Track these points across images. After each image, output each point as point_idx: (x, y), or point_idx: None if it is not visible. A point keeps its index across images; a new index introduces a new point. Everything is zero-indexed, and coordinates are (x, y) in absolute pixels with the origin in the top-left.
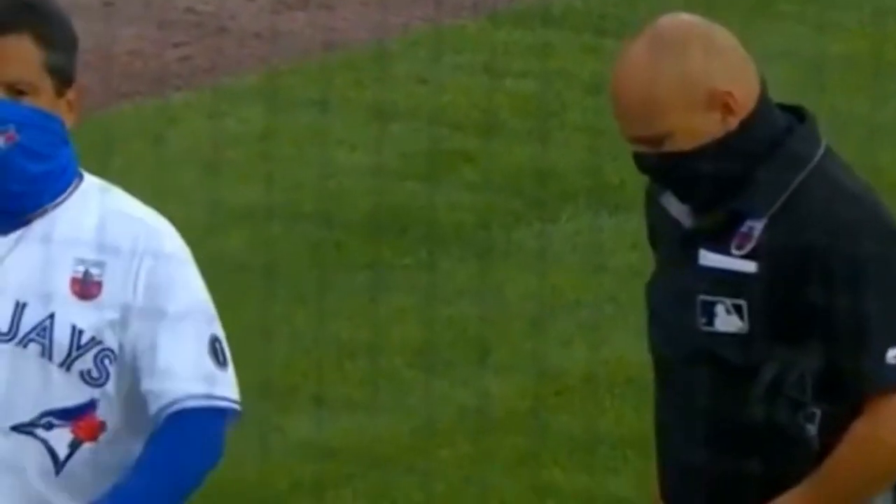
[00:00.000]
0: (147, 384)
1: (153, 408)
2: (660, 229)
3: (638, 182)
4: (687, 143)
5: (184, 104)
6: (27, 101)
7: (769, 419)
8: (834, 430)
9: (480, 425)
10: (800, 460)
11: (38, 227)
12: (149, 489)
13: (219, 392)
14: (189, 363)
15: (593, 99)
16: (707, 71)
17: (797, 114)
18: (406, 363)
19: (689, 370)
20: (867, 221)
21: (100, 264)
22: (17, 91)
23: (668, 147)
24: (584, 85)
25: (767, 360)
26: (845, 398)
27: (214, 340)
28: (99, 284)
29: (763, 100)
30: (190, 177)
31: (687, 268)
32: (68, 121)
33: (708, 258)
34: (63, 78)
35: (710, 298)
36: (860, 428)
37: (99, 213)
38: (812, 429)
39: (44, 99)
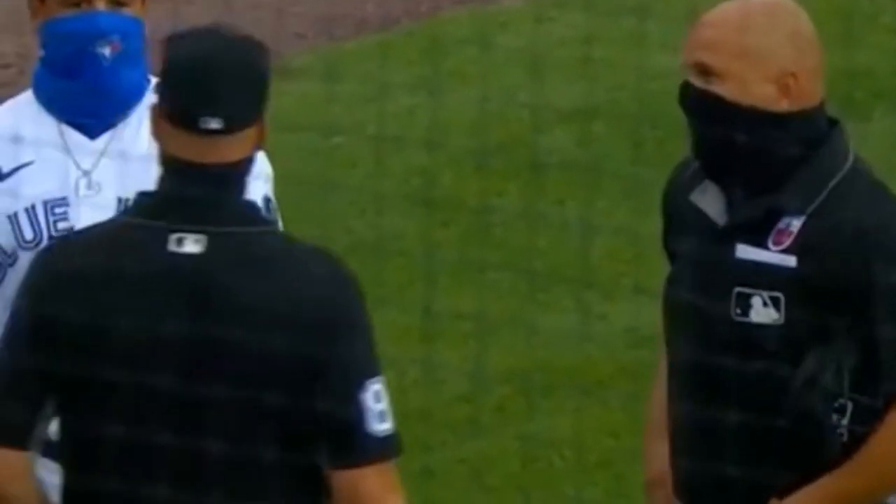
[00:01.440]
0: None
1: None
2: (683, 227)
3: None
4: (732, 94)
5: (513, 9)
6: (127, 11)
7: (804, 410)
8: (865, 422)
9: None
10: (828, 450)
11: (125, 127)
12: None
13: None
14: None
15: None
16: (790, 49)
17: (830, 120)
18: None
19: (720, 360)
20: None
21: None
22: (117, 2)
23: (715, 88)
24: None
25: (804, 352)
26: (879, 391)
27: (267, 200)
28: None
29: (820, 107)
30: (517, 78)
31: (722, 262)
32: (147, 25)
33: (745, 252)
34: None
35: (746, 290)
36: (895, 418)
37: None
38: (843, 420)
39: (136, 7)
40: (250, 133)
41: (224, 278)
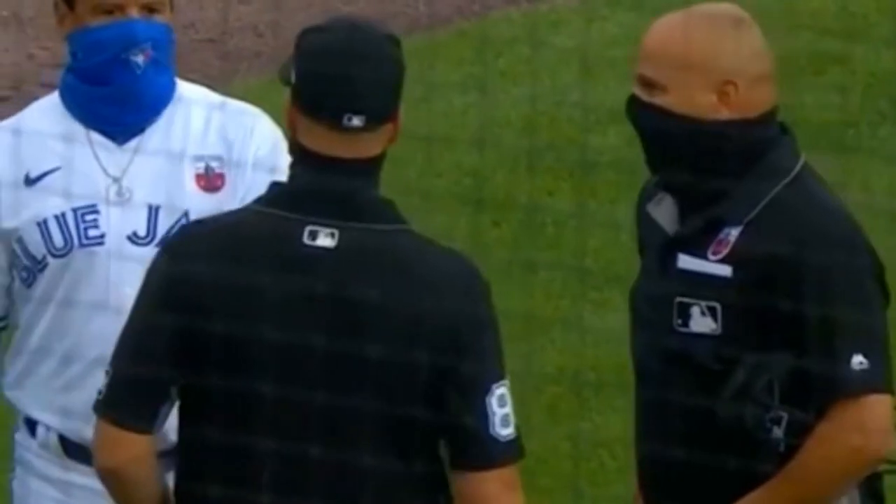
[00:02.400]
0: None
1: None
2: (646, 238)
3: None
4: (674, 105)
5: (564, 9)
6: (158, 18)
7: (737, 421)
8: (800, 434)
9: None
10: (764, 461)
11: (153, 132)
12: None
13: None
14: None
15: None
16: (728, 56)
17: (780, 126)
18: None
19: (664, 370)
20: (837, 233)
21: (218, 158)
22: (149, 10)
23: (657, 100)
24: None
25: (738, 363)
26: (811, 403)
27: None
28: (221, 176)
29: (768, 115)
30: (568, 78)
31: (666, 272)
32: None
33: (685, 262)
34: None
35: (686, 300)
36: (825, 430)
37: (203, 111)
38: (778, 431)
39: (166, 14)
40: (388, 128)
41: (355, 278)
